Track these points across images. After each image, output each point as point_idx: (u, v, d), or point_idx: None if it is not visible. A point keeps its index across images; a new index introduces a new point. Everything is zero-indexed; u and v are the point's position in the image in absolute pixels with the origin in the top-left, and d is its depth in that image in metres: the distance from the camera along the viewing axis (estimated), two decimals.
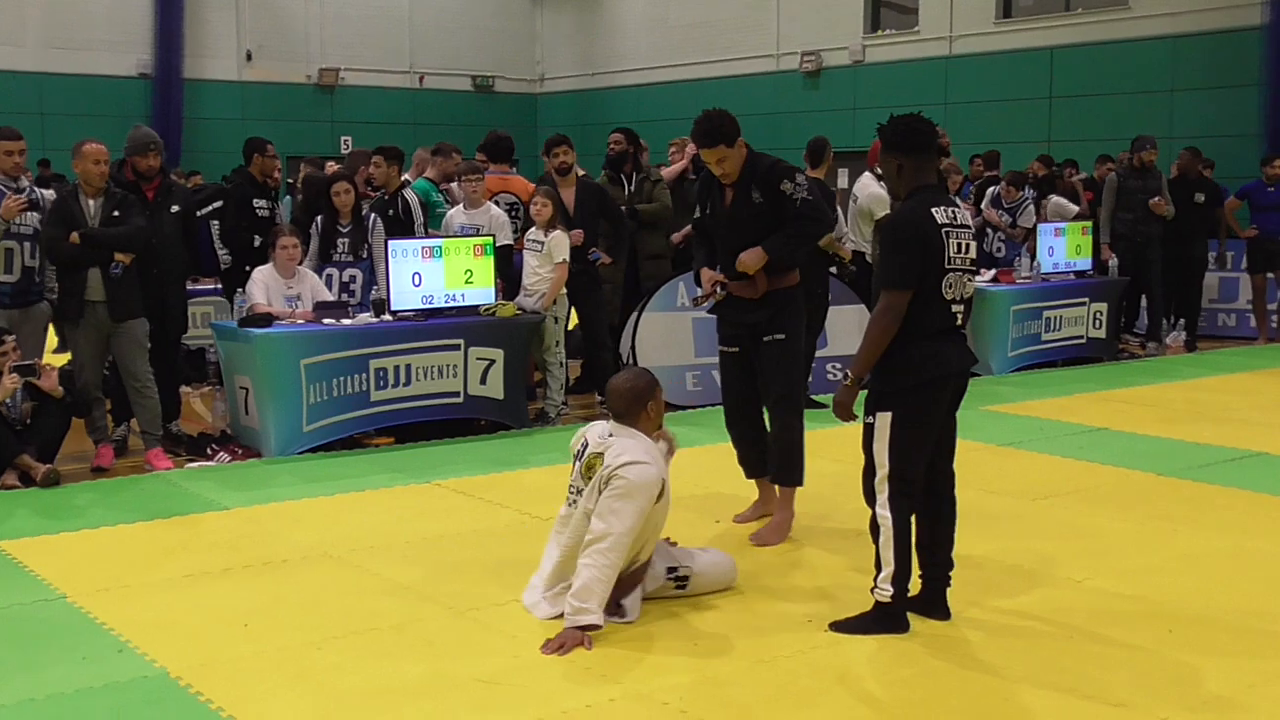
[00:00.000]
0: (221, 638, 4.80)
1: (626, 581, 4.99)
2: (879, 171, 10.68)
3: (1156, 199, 12.46)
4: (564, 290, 9.05)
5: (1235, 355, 12.65)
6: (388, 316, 8.35)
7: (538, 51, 25.34)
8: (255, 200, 9.34)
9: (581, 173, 9.83)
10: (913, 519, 4.84)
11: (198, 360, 10.66)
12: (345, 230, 8.94)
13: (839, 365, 10.42)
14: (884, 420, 4.76)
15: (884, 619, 4.83)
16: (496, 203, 9.73)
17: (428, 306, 8.46)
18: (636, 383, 5.11)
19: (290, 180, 12.84)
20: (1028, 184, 13.84)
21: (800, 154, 9.77)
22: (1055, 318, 11.73)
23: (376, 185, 9.76)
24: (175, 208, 8.31)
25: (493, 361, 8.56)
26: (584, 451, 5.04)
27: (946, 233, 4.73)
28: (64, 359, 7.96)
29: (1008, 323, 11.34)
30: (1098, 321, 12.07)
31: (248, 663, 4.55)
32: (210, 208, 9.31)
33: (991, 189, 13.59)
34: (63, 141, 8.03)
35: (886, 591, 4.80)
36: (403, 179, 9.89)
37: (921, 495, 4.89)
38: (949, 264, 4.72)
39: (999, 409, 9.64)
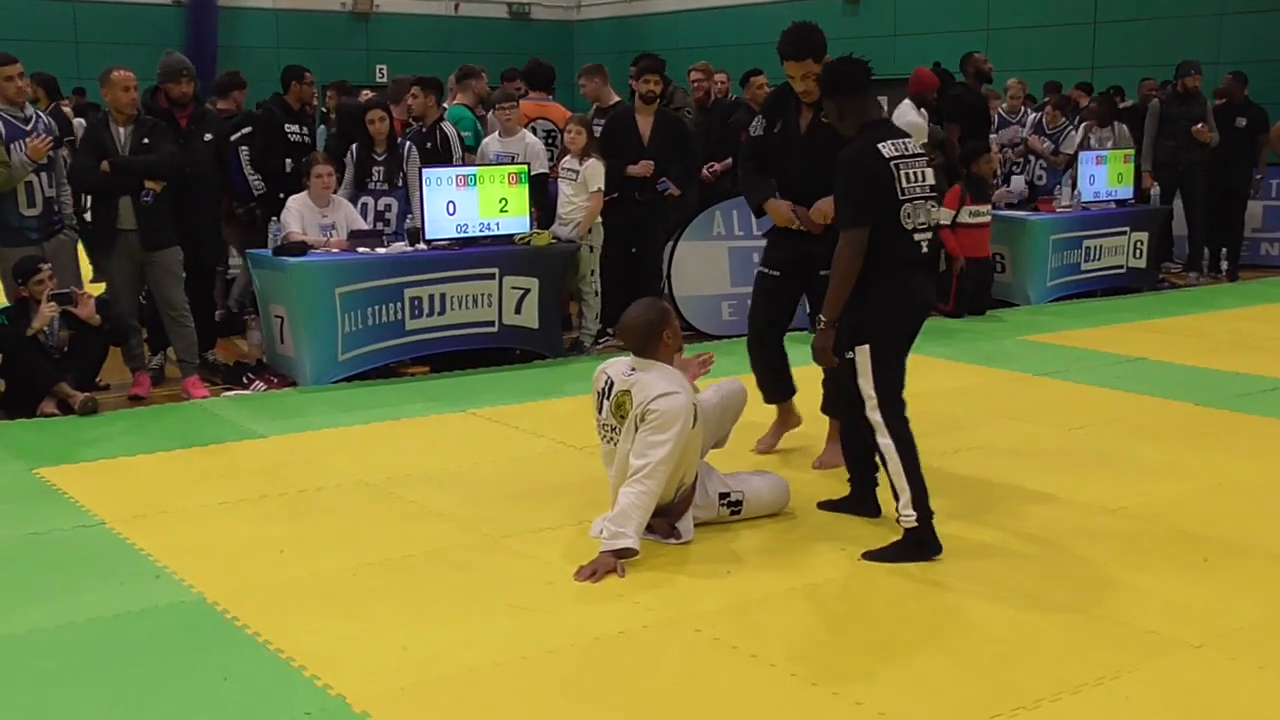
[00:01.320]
0: (257, 564, 4.85)
1: (678, 507, 5.04)
2: (917, 99, 10.65)
3: (1200, 126, 12.25)
4: (600, 219, 8.99)
5: (1276, 285, 12.49)
6: (422, 245, 8.33)
7: None
8: (288, 126, 9.30)
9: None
10: (911, 437, 4.93)
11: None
12: (380, 158, 8.90)
13: None
14: (863, 354, 4.88)
15: (914, 546, 4.87)
16: (534, 130, 9.68)
17: (462, 235, 8.43)
18: (649, 315, 5.07)
19: (324, 110, 12.74)
20: (1075, 110, 13.65)
21: None
22: (1095, 247, 11.59)
23: (416, 116, 9.70)
24: (209, 135, 8.30)
25: (527, 290, 8.54)
26: (610, 389, 5.02)
27: (896, 165, 4.84)
28: (100, 288, 7.99)
29: (1047, 252, 11.22)
30: (1138, 251, 11.92)
31: (283, 588, 4.59)
32: (239, 134, 9.29)
33: (1035, 115, 13.39)
34: (97, 70, 8.01)
35: (910, 516, 4.86)
36: (441, 109, 9.81)
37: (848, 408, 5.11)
38: (903, 195, 4.85)
39: (1037, 338, 9.57)
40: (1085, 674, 3.88)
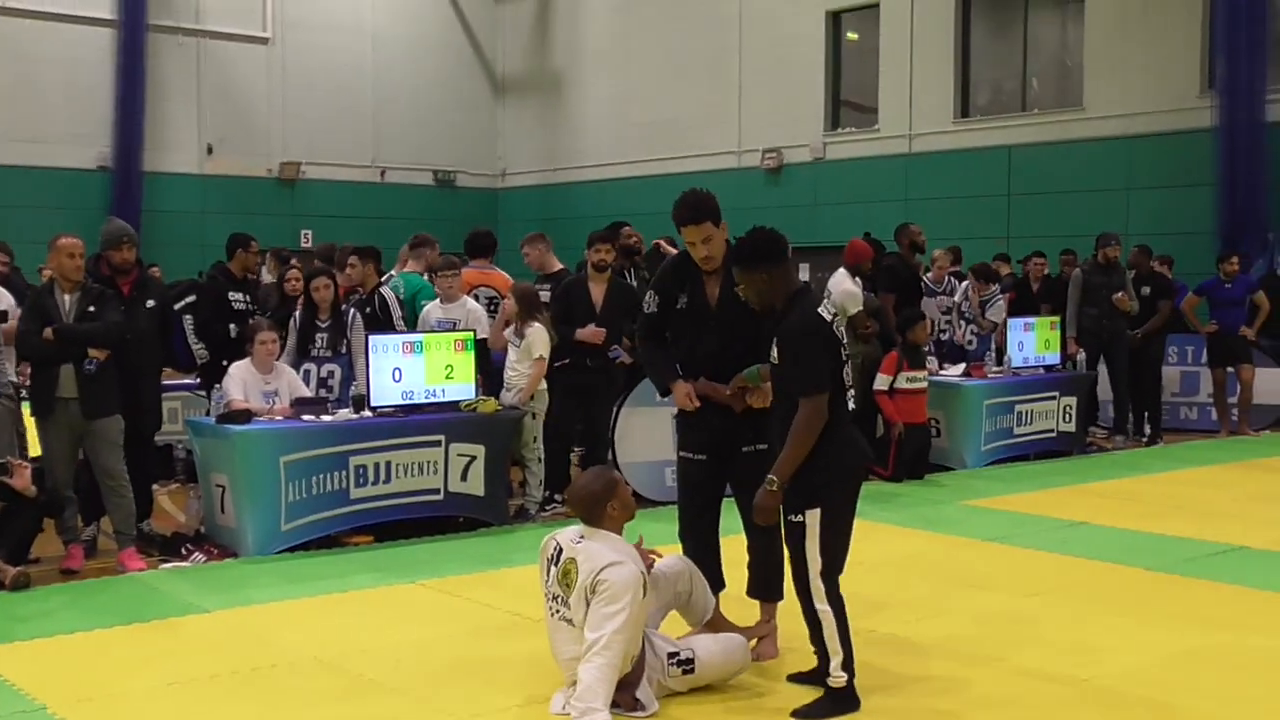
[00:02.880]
0: None
1: (633, 676, 4.94)
2: (853, 269, 10.86)
3: (1120, 294, 12.60)
4: (543, 385, 8.98)
5: (1199, 449, 12.74)
6: (368, 412, 8.24)
7: (500, 147, 25.44)
8: (231, 294, 9.25)
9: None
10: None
11: (165, 456, 10.46)
12: (324, 325, 8.86)
13: None
14: (813, 518, 4.89)
15: (840, 702, 4.93)
16: (476, 297, 9.71)
17: (408, 402, 8.36)
18: (593, 486, 5.09)
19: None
20: (998, 279, 14.00)
21: None
22: (1027, 411, 11.77)
23: (353, 285, 9.69)
24: (151, 302, 8.20)
25: (474, 458, 8.46)
26: (559, 556, 5.00)
27: (837, 327, 5.03)
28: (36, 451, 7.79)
29: (981, 417, 11.37)
30: (1067, 415, 12.13)
31: None
32: (184, 302, 9.21)
33: (963, 284, 13.70)
34: (20, 235, 7.95)
35: (841, 678, 4.92)
36: (380, 275, 9.83)
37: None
38: (845, 356, 5.05)
39: (978, 503, 9.63)
40: None
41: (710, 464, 5.74)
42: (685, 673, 5.13)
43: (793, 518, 4.93)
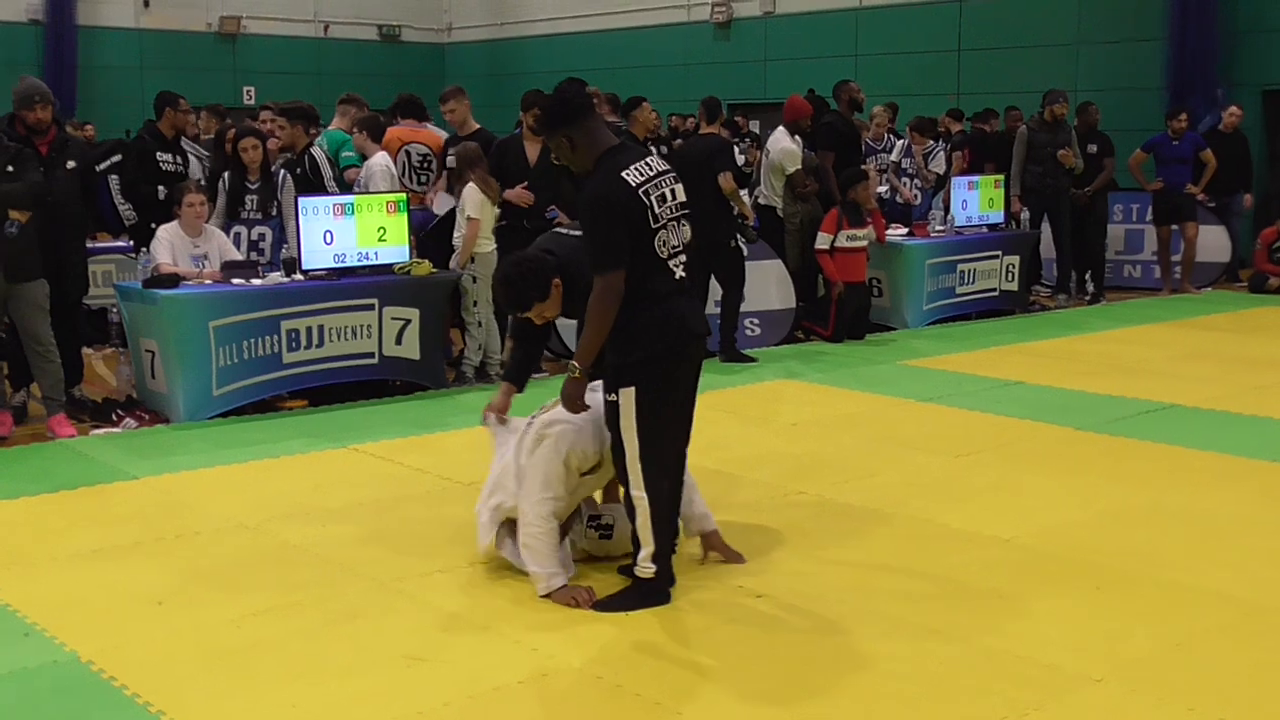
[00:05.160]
0: (134, 617, 4.63)
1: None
2: (792, 126, 10.72)
3: (1064, 151, 12.52)
4: (491, 247, 8.81)
5: (1141, 307, 12.81)
6: (299, 276, 8.12)
7: (444, 0, 24.89)
8: (160, 154, 9.03)
9: None
10: (673, 493, 4.70)
11: (99, 321, 10.30)
12: (253, 187, 8.68)
13: (757, 321, 10.38)
14: (626, 397, 4.54)
15: (647, 594, 4.70)
16: (408, 155, 9.53)
17: (340, 265, 8.24)
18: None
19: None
20: (940, 135, 13.91)
21: None
22: (969, 270, 11.77)
23: (284, 146, 9.47)
24: (72, 163, 7.97)
25: (408, 321, 8.37)
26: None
27: (645, 192, 4.51)
28: None
29: (923, 276, 11.36)
30: (1010, 274, 12.14)
31: (163, 644, 4.38)
32: (109, 162, 8.99)
33: (901, 140, 13.60)
34: None
35: (648, 569, 4.68)
36: (311, 135, 9.60)
37: (680, 467, 4.75)
38: (656, 221, 4.53)
39: (916, 363, 9.66)
40: (992, 713, 3.86)
41: None
42: (604, 537, 5.13)
43: (609, 397, 4.60)
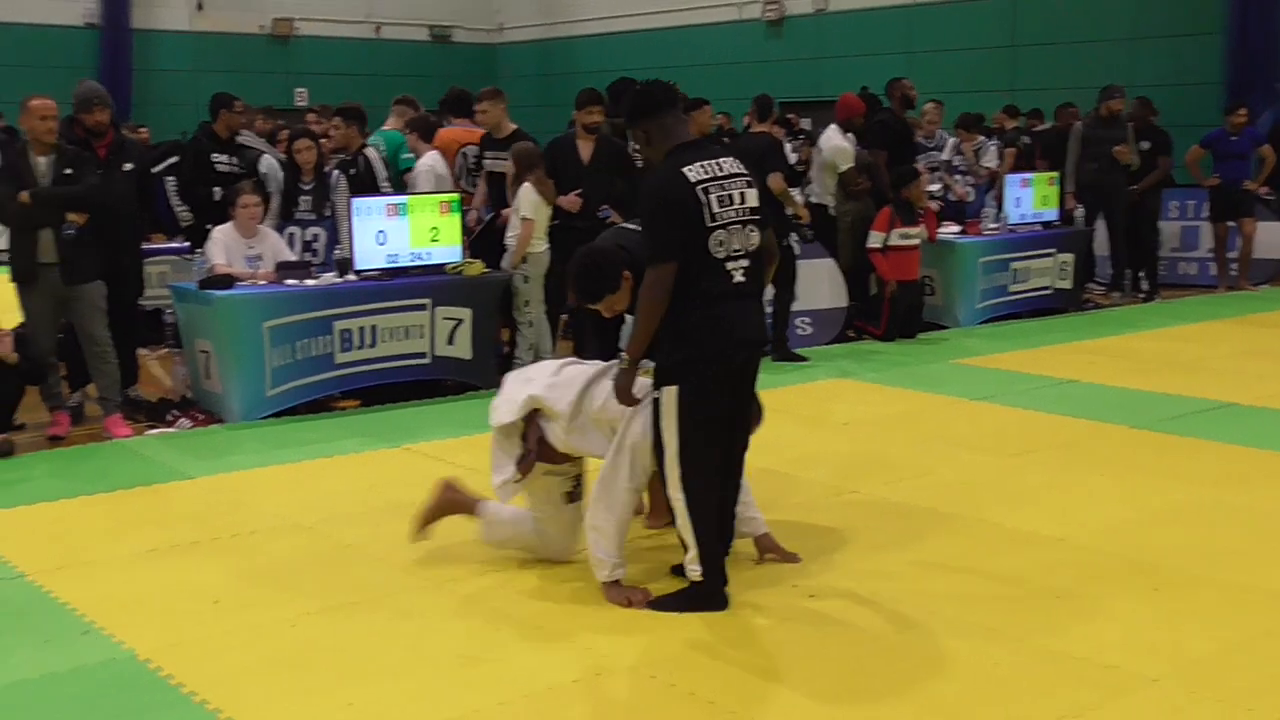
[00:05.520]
0: (191, 616, 4.67)
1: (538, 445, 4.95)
2: (844, 124, 10.67)
3: (1120, 146, 12.38)
4: (544, 246, 8.82)
5: (1196, 304, 12.65)
6: (352, 276, 8.17)
7: (496, 1, 24.96)
8: (215, 155, 9.10)
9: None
10: (711, 494, 4.64)
11: (154, 321, 10.39)
12: (307, 188, 8.74)
13: (809, 320, 10.33)
14: (669, 395, 4.53)
15: (699, 597, 4.65)
16: (464, 155, 9.55)
17: (393, 265, 8.28)
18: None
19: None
20: (995, 134, 13.80)
21: None
22: (1022, 269, 11.66)
23: (338, 147, 9.52)
24: (129, 165, 8.05)
25: (460, 321, 8.40)
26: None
27: (705, 189, 4.49)
28: (15, 321, 7.73)
29: (975, 274, 11.27)
30: (1064, 272, 12.02)
31: (220, 642, 4.42)
32: (165, 164, 9.08)
33: (952, 139, 13.50)
34: (8, 94, 7.77)
35: (696, 570, 4.64)
36: (364, 136, 9.66)
37: (718, 469, 4.67)
38: (713, 221, 4.49)
39: (969, 362, 9.59)
40: (1051, 713, 3.83)
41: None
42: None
43: (654, 394, 4.60)
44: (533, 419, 4.92)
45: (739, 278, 4.58)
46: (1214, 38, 15.80)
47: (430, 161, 9.32)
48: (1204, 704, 3.90)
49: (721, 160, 4.62)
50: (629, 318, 4.97)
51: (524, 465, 4.93)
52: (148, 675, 4.15)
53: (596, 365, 5.01)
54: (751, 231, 4.61)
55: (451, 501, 5.27)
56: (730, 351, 4.59)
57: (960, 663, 4.22)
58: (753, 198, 4.62)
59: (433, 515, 5.25)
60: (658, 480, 5.24)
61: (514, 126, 9.53)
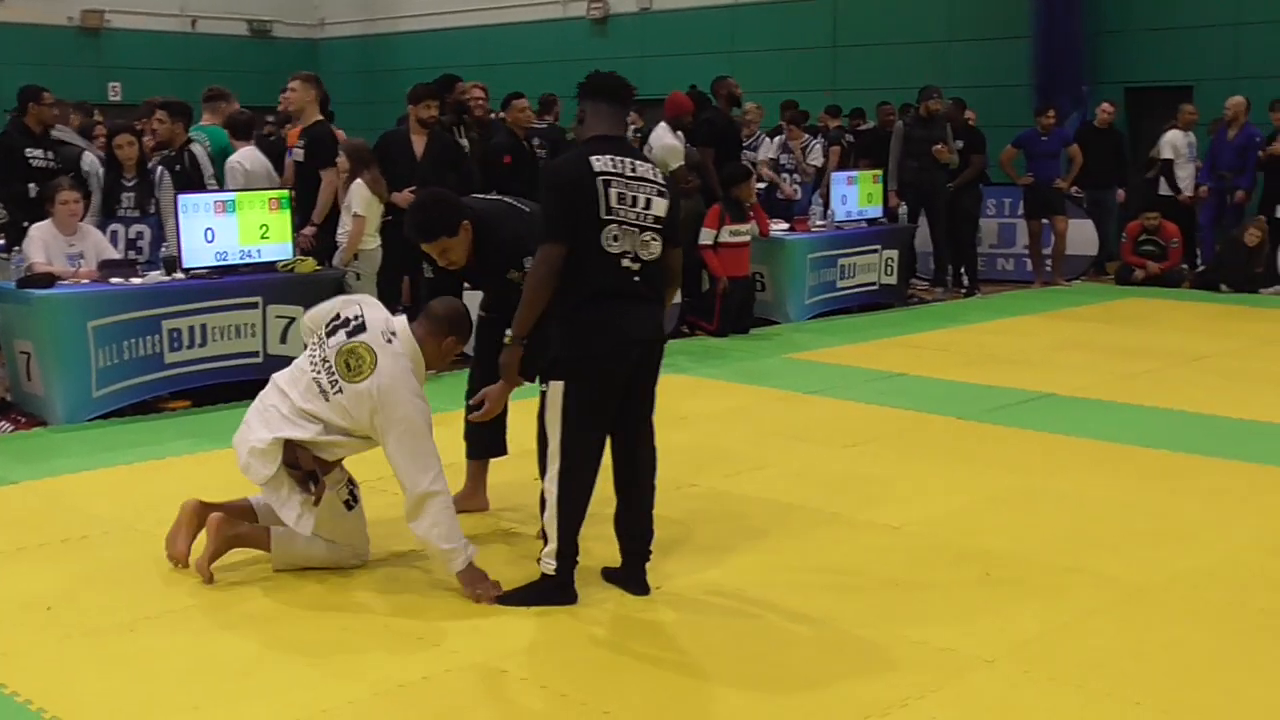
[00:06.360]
0: (24, 624, 4.51)
1: (331, 465, 4.91)
2: (674, 122, 10.79)
3: (939, 146, 12.78)
4: (375, 244, 8.73)
5: (1015, 299, 13.14)
6: (180, 275, 7.97)
7: None
8: (29, 150, 8.78)
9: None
10: (583, 493, 4.62)
11: None
12: (130, 184, 8.49)
13: None
14: (555, 390, 4.53)
15: (550, 590, 4.65)
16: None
17: (222, 263, 8.10)
18: (452, 312, 4.91)
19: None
20: (820, 132, 14.10)
21: None
22: (850, 265, 11.96)
23: (161, 142, 9.27)
24: None
25: (294, 319, 8.24)
26: (356, 330, 4.78)
27: (605, 181, 4.46)
28: None
29: (805, 270, 11.52)
30: (889, 268, 12.36)
31: (55, 650, 4.28)
32: None
33: (778, 138, 13.77)
34: None
35: (550, 565, 4.63)
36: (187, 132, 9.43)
37: (596, 468, 4.67)
38: (608, 213, 4.46)
39: (800, 356, 9.80)
40: (890, 696, 3.95)
41: (493, 322, 5.44)
42: (348, 507, 5.07)
43: (540, 386, 4.62)
44: (289, 447, 4.84)
45: (634, 279, 4.55)
46: (1022, 41, 16.40)
47: (239, 158, 9.14)
48: (1037, 682, 4.07)
49: (637, 163, 4.60)
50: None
51: (318, 489, 4.84)
52: None
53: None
54: (651, 240, 4.57)
55: (237, 537, 5.05)
56: (622, 350, 4.55)
57: (800, 648, 4.33)
58: (659, 207, 4.58)
59: (218, 555, 4.98)
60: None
61: (320, 116, 9.35)
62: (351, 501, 5.06)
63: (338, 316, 4.92)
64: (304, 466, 4.84)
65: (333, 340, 4.83)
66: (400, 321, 4.91)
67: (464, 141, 10.07)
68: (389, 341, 4.77)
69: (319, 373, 4.82)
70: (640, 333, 4.59)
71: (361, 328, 4.81)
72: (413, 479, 4.68)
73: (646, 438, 4.80)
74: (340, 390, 4.74)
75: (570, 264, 4.46)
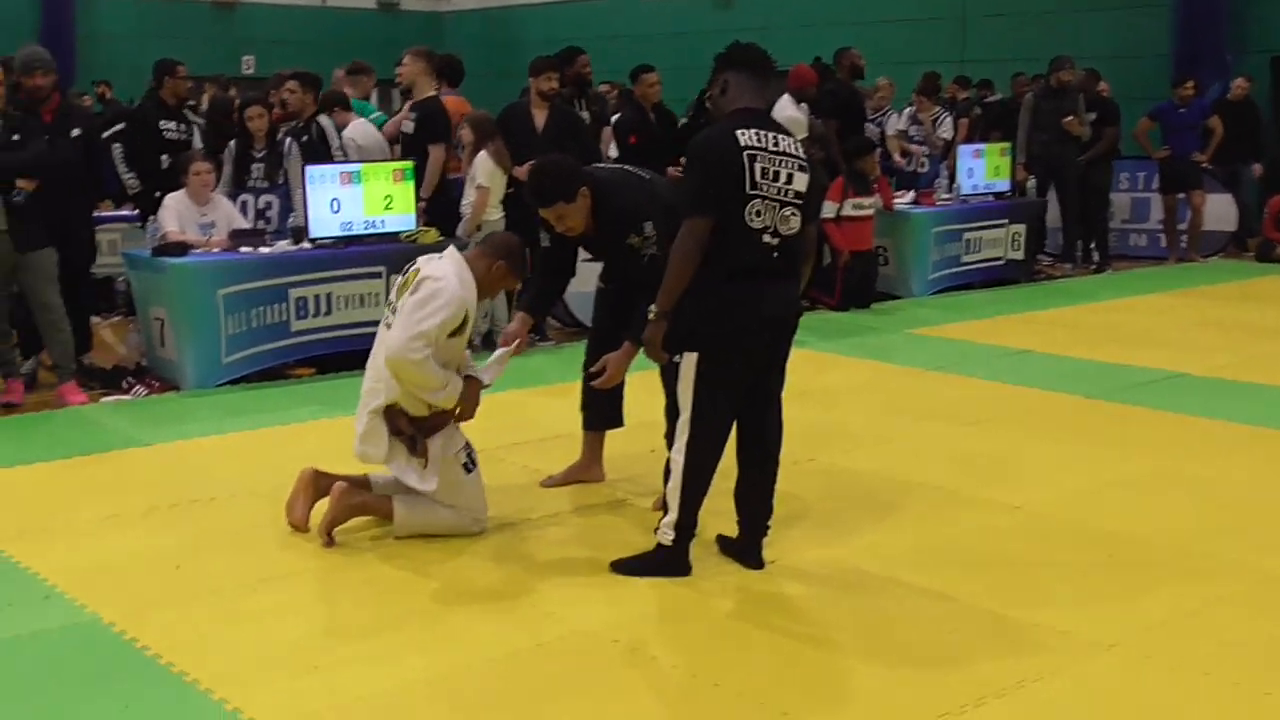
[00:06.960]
0: (153, 581, 4.64)
1: (432, 422, 4.98)
2: (797, 94, 10.70)
3: (1069, 118, 12.48)
4: (499, 214, 8.80)
5: (1147, 276, 12.80)
6: (306, 244, 8.11)
7: None
8: (163, 123, 8.99)
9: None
10: (709, 466, 4.61)
11: (105, 290, 10.29)
12: (259, 155, 8.66)
13: None
14: (689, 361, 4.51)
15: (665, 562, 4.65)
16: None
17: (347, 234, 8.23)
18: (506, 240, 5.15)
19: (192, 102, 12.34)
20: (949, 104, 13.86)
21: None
22: (975, 239, 11.76)
23: (291, 112, 9.42)
24: (76, 131, 7.93)
25: None
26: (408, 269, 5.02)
27: (750, 156, 4.40)
28: None
29: (928, 245, 11.35)
30: (1016, 243, 12.12)
31: (182, 607, 4.40)
32: (113, 130, 8.97)
33: (907, 109, 13.55)
34: None
35: (668, 535, 4.62)
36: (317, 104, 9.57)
37: (724, 442, 4.65)
38: (753, 188, 4.40)
39: (923, 332, 9.67)
40: (1007, 678, 3.88)
41: (612, 293, 5.54)
42: (467, 471, 5.12)
43: (675, 356, 4.57)
44: (387, 415, 4.94)
45: (774, 255, 4.50)
46: (1162, 9, 15.93)
47: (351, 133, 9.24)
48: (1158, 669, 3.97)
49: (780, 137, 4.53)
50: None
51: (419, 448, 4.92)
52: (111, 638, 4.13)
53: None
54: (791, 215, 4.50)
55: (361, 505, 5.13)
56: (758, 328, 4.53)
57: (915, 627, 4.27)
58: (800, 182, 4.51)
59: (337, 522, 5.06)
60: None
61: (433, 92, 9.37)
62: (470, 465, 5.11)
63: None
64: (404, 431, 4.92)
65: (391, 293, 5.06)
66: (449, 250, 5.06)
67: (584, 114, 10.07)
68: (439, 259, 4.94)
69: (386, 324, 4.95)
70: (776, 310, 4.57)
71: (412, 263, 5.01)
72: (404, 341, 4.74)
73: (775, 415, 4.78)
74: (395, 311, 4.86)
75: (713, 238, 4.43)
